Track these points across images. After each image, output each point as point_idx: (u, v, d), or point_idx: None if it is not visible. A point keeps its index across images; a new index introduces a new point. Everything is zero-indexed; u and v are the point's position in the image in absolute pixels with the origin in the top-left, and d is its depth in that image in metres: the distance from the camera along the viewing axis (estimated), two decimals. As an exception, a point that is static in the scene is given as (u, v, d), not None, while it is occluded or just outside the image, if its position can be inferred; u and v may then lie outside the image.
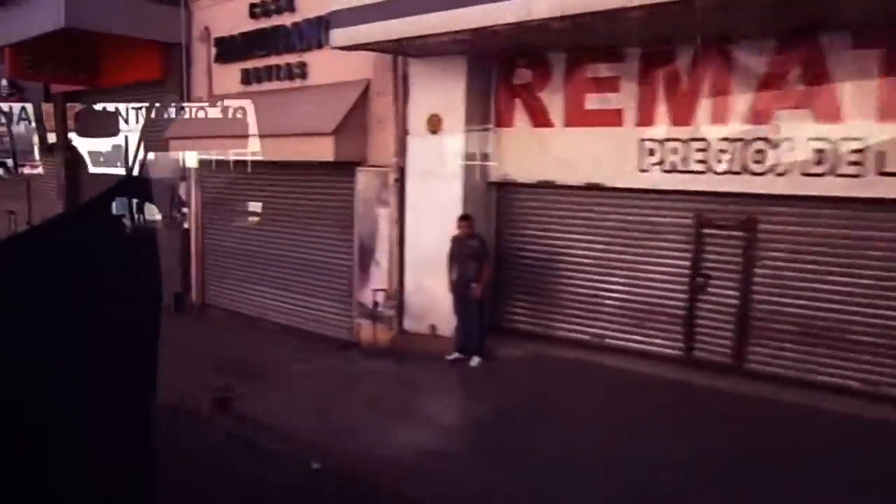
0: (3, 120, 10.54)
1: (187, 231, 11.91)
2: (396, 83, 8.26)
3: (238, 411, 6.86)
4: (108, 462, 2.88)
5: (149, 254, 3.16)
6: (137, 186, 3.10)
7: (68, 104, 14.52)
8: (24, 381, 2.46)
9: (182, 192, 11.78)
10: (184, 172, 11.78)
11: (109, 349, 2.82)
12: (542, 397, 6.71)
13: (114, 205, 2.92)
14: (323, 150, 8.67)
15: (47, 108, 13.51)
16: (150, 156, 12.64)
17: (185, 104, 11.54)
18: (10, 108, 11.14)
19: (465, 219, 7.64)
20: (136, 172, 9.57)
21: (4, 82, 16.27)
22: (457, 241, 7.70)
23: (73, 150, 14.14)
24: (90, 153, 11.80)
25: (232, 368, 8.41)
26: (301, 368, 8.04)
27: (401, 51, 7.95)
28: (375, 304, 8.42)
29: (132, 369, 3.00)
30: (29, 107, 11.05)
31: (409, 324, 8.51)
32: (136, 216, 3.01)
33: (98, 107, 10.76)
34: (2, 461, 2.42)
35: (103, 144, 11.23)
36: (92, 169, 11.75)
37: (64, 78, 12.87)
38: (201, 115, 11.08)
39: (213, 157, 10.91)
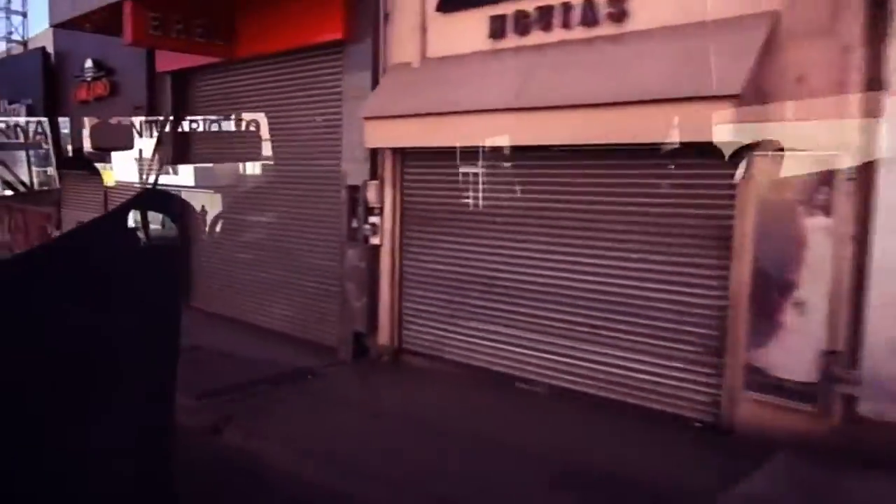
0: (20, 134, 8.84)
1: (376, 248, 8.65)
2: (868, 6, 5.00)
3: None
4: (113, 462, 2.82)
5: (165, 268, 3.06)
6: (158, 199, 3.06)
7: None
8: (24, 386, 2.48)
9: (372, 195, 8.52)
10: (374, 169, 8.55)
11: (112, 357, 2.79)
12: None
13: (129, 217, 2.87)
14: (705, 123, 5.41)
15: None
16: (209, 164, 10.54)
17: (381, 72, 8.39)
18: (27, 122, 9.54)
19: None
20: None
21: (89, 63, 13.19)
22: None
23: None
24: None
25: (590, 490, 5.08)
26: (734, 495, 4.71)
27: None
28: (827, 372, 5.09)
29: (138, 382, 2.95)
30: (45, 121, 9.22)
31: (870, 407, 5.17)
32: (152, 229, 2.95)
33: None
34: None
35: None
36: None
37: (195, 45, 9.65)
38: (415, 84, 7.91)
39: (436, 145, 7.71)
